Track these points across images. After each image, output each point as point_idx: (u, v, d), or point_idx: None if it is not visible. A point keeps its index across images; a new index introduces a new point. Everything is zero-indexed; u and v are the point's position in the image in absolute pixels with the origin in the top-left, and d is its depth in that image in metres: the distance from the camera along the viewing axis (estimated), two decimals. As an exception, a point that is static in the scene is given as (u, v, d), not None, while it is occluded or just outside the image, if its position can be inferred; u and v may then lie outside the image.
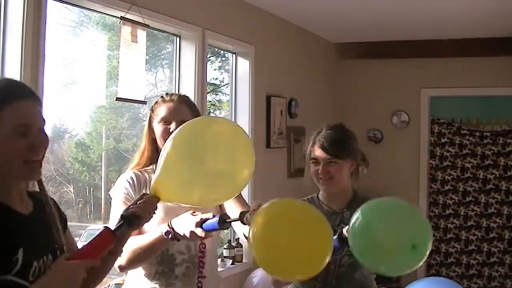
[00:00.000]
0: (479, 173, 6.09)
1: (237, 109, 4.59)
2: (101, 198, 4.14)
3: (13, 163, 1.50)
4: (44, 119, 1.58)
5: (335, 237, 2.14)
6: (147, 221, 1.83)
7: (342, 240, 2.12)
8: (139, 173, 2.31)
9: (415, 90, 6.18)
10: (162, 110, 2.29)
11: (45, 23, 2.71)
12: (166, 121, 2.27)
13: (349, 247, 2.03)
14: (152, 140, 2.33)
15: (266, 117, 4.85)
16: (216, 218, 1.99)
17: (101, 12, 3.30)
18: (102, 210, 4.14)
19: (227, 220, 1.98)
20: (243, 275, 4.42)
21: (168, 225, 2.08)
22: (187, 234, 2.02)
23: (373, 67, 6.28)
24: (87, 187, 4.23)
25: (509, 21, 5.04)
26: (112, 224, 2.22)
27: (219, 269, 4.22)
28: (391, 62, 6.21)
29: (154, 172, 2.31)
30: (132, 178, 2.27)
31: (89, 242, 1.68)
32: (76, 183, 4.12)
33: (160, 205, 2.24)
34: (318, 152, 2.41)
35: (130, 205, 1.81)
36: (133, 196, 2.24)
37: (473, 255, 6.08)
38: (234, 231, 4.52)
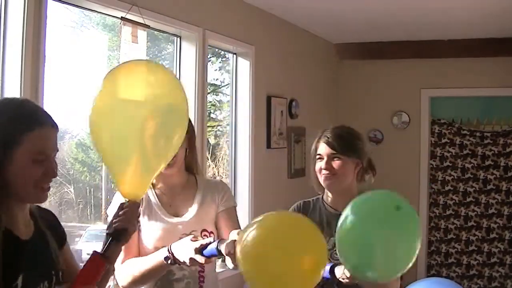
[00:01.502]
0: (479, 173, 6.09)
1: (237, 110, 4.59)
2: (101, 199, 4.15)
3: (25, 188, 1.52)
4: (57, 147, 1.61)
5: (327, 267, 2.13)
6: (134, 231, 1.82)
7: (334, 275, 2.12)
8: None
9: (416, 90, 6.19)
10: None
11: (46, 23, 2.71)
12: None
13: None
14: None
15: (266, 118, 4.85)
16: (215, 244, 1.99)
17: (101, 13, 3.30)
18: (103, 210, 4.14)
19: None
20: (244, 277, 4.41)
21: (168, 250, 2.09)
22: (187, 262, 2.03)
23: (373, 67, 6.29)
24: (87, 188, 4.23)
25: (510, 22, 5.04)
26: None
27: (219, 270, 4.23)
28: (392, 63, 6.21)
29: (151, 187, 2.31)
30: None
31: (81, 270, 1.69)
32: (77, 184, 4.12)
33: (158, 223, 2.24)
34: (322, 147, 2.40)
35: (112, 220, 1.80)
36: None
37: (473, 255, 6.08)
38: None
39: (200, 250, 2.01)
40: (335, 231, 2.38)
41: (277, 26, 5.04)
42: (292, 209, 2.53)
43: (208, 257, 2.01)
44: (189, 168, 2.38)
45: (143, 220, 2.26)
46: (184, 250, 2.04)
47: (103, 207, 4.13)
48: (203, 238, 2.20)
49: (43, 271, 1.60)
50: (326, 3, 4.57)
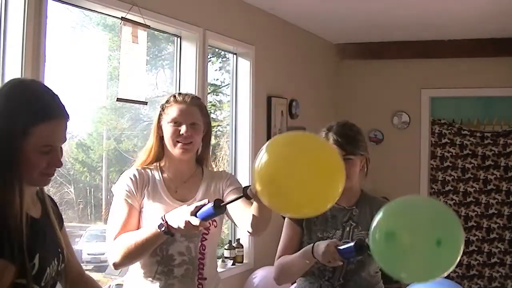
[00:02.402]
0: (479, 173, 6.09)
1: (237, 110, 4.59)
2: (101, 199, 4.15)
3: (31, 175, 1.54)
4: (66, 137, 1.63)
5: (351, 244, 2.14)
6: None
7: (361, 247, 2.11)
8: (142, 170, 2.31)
9: (416, 90, 6.18)
10: (173, 111, 2.27)
11: (46, 23, 2.71)
12: (176, 122, 2.26)
13: (369, 252, 2.02)
14: (160, 138, 2.32)
15: (266, 118, 4.85)
16: (211, 204, 1.95)
17: (101, 13, 3.30)
18: (103, 210, 4.14)
19: (221, 204, 1.95)
20: (244, 276, 4.42)
21: (162, 218, 2.07)
22: (182, 225, 1.98)
23: (373, 67, 6.28)
24: (87, 188, 4.23)
25: (510, 22, 5.04)
26: (111, 220, 2.23)
27: (219, 270, 4.22)
28: (392, 63, 6.21)
29: (158, 169, 2.32)
30: (135, 176, 2.27)
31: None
32: (77, 184, 4.12)
33: (161, 205, 2.25)
34: None
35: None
36: (135, 193, 2.24)
37: (473, 255, 6.08)
38: (234, 231, 4.52)
39: (194, 213, 1.97)
40: (340, 224, 2.39)
41: (278, 26, 5.04)
42: None
43: (203, 219, 1.96)
44: (199, 161, 2.39)
45: (147, 201, 2.25)
46: (178, 215, 2.01)
47: (103, 207, 4.13)
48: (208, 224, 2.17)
49: (52, 249, 1.62)
50: (326, 4, 4.57)
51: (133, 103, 3.37)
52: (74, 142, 4.04)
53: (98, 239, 4.16)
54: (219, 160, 4.92)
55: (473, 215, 6.09)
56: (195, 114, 2.28)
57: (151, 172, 2.32)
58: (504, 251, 6.00)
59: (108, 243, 2.21)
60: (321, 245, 2.21)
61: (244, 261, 4.45)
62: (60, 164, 1.59)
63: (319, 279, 2.39)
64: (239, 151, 4.58)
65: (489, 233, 6.05)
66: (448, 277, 6.10)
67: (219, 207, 1.94)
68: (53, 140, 1.55)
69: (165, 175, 2.32)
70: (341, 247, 2.15)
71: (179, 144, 2.25)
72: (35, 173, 1.54)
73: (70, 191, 4.06)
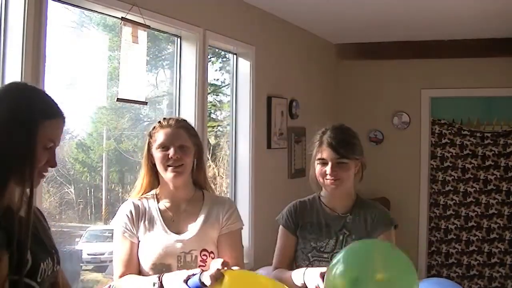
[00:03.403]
0: (480, 174, 6.09)
1: (237, 110, 4.59)
2: (101, 199, 4.14)
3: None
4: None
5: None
6: None
7: None
8: (138, 202, 2.31)
9: (416, 90, 6.18)
10: (160, 136, 2.28)
11: (46, 24, 2.71)
12: (164, 147, 2.26)
13: None
14: (152, 166, 2.32)
15: (266, 118, 4.85)
16: (198, 276, 1.97)
17: (101, 13, 3.30)
18: (103, 211, 4.13)
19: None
20: None
21: (159, 277, 2.08)
22: None
23: (373, 67, 6.28)
24: (87, 188, 4.22)
25: (510, 22, 5.03)
26: (114, 257, 2.27)
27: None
28: (392, 63, 6.21)
29: (155, 198, 2.32)
30: (130, 211, 2.28)
31: None
32: (77, 184, 4.12)
33: (157, 238, 2.23)
34: (326, 152, 2.36)
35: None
36: (132, 229, 2.25)
37: (474, 256, 6.08)
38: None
39: (186, 281, 1.99)
40: (333, 233, 2.38)
41: (278, 26, 5.04)
42: (288, 208, 2.51)
43: None
44: (197, 183, 2.37)
45: (143, 235, 2.26)
46: (174, 280, 2.03)
47: (103, 208, 4.13)
48: (202, 258, 2.20)
49: (44, 248, 1.63)
50: (326, 4, 4.57)
51: (133, 103, 3.37)
52: (74, 142, 4.03)
53: (98, 239, 4.16)
54: (219, 160, 4.92)
55: (473, 215, 6.09)
56: (182, 136, 2.28)
57: (147, 202, 2.31)
58: (504, 251, 6.00)
59: (115, 280, 2.24)
60: (312, 274, 2.18)
61: (244, 261, 4.45)
62: (55, 164, 1.62)
63: None
64: (239, 151, 4.58)
65: (489, 233, 6.05)
66: (448, 277, 6.11)
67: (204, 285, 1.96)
68: (55, 137, 1.60)
69: (161, 204, 2.32)
70: None
71: (169, 168, 2.24)
72: (36, 169, 1.56)
73: (70, 191, 4.05)
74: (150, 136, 2.32)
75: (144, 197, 2.33)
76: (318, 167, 2.40)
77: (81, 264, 3.97)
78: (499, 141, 6.05)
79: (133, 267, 2.21)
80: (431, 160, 6.19)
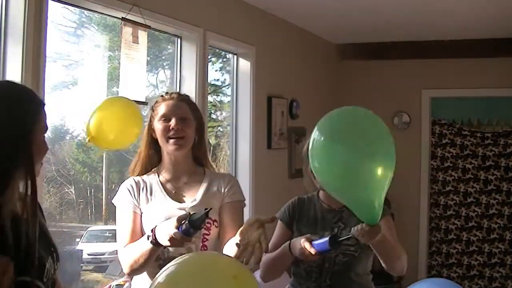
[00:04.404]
0: (480, 174, 6.09)
1: (238, 110, 4.59)
2: (102, 199, 4.14)
3: (39, 161, 1.59)
4: None
5: (326, 238, 2.15)
6: None
7: (336, 242, 2.14)
8: (139, 179, 2.32)
9: (416, 91, 6.18)
10: (161, 108, 2.30)
11: (46, 24, 2.71)
12: (165, 118, 2.27)
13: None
14: (152, 140, 2.33)
15: (267, 118, 4.85)
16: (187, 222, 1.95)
17: (102, 13, 3.30)
18: (103, 211, 4.14)
19: (200, 225, 1.96)
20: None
21: (152, 230, 2.07)
22: (166, 240, 1.99)
23: (374, 68, 6.28)
24: (88, 188, 4.23)
25: (510, 22, 5.03)
26: (118, 230, 2.25)
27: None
28: (392, 63, 6.21)
29: (156, 173, 2.32)
30: (131, 185, 2.30)
31: None
32: (77, 184, 4.12)
33: (159, 208, 2.24)
34: None
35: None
36: (134, 201, 2.26)
37: (474, 256, 6.08)
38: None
39: (178, 227, 1.97)
40: (328, 226, 2.41)
41: (278, 26, 5.04)
42: (287, 205, 2.55)
43: (186, 234, 1.96)
44: (197, 160, 2.38)
45: (145, 205, 2.26)
46: (164, 229, 2.00)
47: (103, 208, 4.13)
48: (206, 226, 2.18)
49: (45, 246, 1.62)
50: (327, 4, 4.57)
51: (133, 103, 3.37)
52: (74, 142, 4.04)
53: (99, 239, 4.16)
54: (219, 161, 4.92)
55: (474, 215, 6.09)
56: (183, 108, 2.30)
57: (148, 177, 2.32)
58: (504, 251, 6.00)
59: (119, 253, 2.23)
60: (297, 241, 2.25)
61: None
62: (47, 147, 1.63)
63: (306, 280, 2.41)
64: (240, 151, 4.58)
65: (489, 234, 6.05)
66: (449, 277, 6.12)
67: (198, 222, 1.96)
68: (47, 125, 1.61)
69: (162, 177, 2.32)
70: (316, 242, 2.18)
71: (171, 140, 2.25)
72: (41, 160, 1.59)
73: (70, 191, 4.05)
74: (153, 109, 2.34)
75: (145, 175, 2.34)
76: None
77: (81, 265, 3.97)
78: (499, 142, 6.05)
79: (137, 237, 2.20)
80: (431, 160, 6.18)
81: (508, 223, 6.01)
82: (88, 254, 4.11)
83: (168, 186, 2.30)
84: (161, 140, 2.28)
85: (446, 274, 6.09)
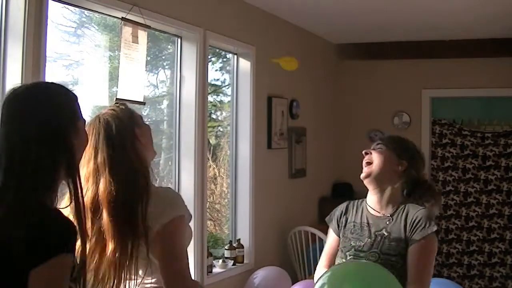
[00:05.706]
0: (480, 174, 6.09)
1: (238, 110, 4.59)
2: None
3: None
4: None
5: None
6: None
7: None
8: None
9: (417, 91, 6.18)
10: None
11: (46, 24, 2.71)
12: None
13: None
14: None
15: (267, 118, 4.85)
16: None
17: (102, 13, 3.30)
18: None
19: None
20: (245, 276, 4.41)
21: None
22: None
23: (374, 68, 6.28)
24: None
25: (510, 22, 5.03)
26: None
27: (220, 270, 4.22)
28: (393, 63, 6.21)
29: None
30: None
31: None
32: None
33: None
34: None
35: None
36: None
37: (474, 255, 6.08)
38: (235, 232, 4.51)
39: None
40: (372, 233, 2.40)
41: (278, 26, 5.04)
42: (335, 209, 2.60)
43: None
44: None
45: None
46: None
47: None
48: None
49: None
50: (327, 4, 4.57)
51: (131, 103, 3.36)
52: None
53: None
54: (220, 161, 4.92)
55: (474, 215, 6.09)
56: None
57: None
58: (504, 251, 6.00)
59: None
60: None
61: (244, 261, 4.45)
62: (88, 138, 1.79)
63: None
64: (240, 151, 4.58)
65: (489, 233, 6.05)
66: (449, 277, 6.11)
67: None
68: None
69: None
70: None
71: None
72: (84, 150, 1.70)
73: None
74: None
75: None
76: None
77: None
78: (499, 141, 6.05)
79: None
80: (431, 160, 6.18)
81: (508, 223, 6.00)
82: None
83: None
84: None
85: (447, 273, 6.09)
